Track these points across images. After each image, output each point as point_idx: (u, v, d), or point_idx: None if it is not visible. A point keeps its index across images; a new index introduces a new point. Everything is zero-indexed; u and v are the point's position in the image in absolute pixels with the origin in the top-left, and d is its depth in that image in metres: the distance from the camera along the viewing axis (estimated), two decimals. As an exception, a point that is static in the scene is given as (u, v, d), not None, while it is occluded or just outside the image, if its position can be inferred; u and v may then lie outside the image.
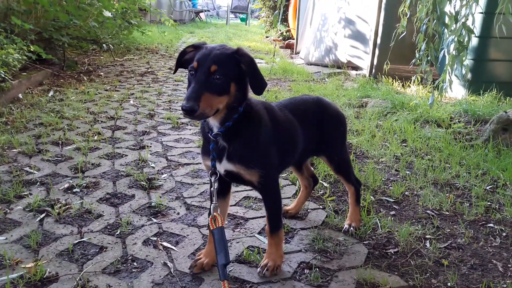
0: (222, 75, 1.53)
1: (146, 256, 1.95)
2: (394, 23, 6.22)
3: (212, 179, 1.69)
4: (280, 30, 11.79)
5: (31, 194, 2.45)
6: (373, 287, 1.80)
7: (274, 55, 7.48)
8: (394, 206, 2.61)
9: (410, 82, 5.92)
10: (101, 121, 3.95)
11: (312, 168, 2.53)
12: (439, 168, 3.14)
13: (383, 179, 2.95)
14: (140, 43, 9.25)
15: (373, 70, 6.58)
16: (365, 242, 2.16)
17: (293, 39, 10.26)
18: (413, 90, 5.74)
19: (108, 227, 2.17)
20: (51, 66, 5.76)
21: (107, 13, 6.13)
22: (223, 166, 1.72)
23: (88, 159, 3.01)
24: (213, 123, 1.66)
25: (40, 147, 3.16)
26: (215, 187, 1.69)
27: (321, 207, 2.51)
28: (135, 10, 7.07)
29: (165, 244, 2.05)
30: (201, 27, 16.18)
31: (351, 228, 2.21)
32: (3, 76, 4.04)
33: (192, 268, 1.85)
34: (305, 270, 1.89)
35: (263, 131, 1.75)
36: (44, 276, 1.73)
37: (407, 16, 4.34)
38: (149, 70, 6.70)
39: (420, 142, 3.76)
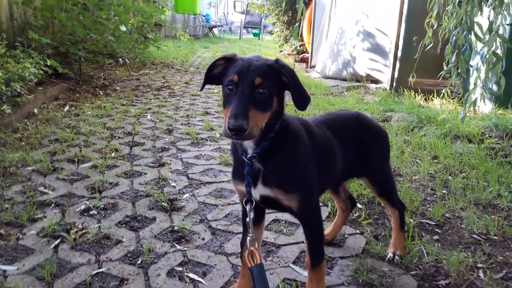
0: (266, 88, 1.35)
1: (171, 289, 1.76)
2: (415, 35, 6.11)
3: (248, 207, 1.49)
4: (294, 44, 11.70)
5: (45, 217, 2.29)
6: (431, 329, 1.57)
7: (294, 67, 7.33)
8: (437, 229, 2.38)
9: (433, 96, 5.71)
10: (118, 137, 3.80)
11: (350, 190, 2.32)
12: (478, 187, 2.91)
13: (420, 199, 2.73)
14: (156, 58, 9.21)
15: (394, 84, 6.39)
16: (412, 272, 1.94)
17: (308, 53, 10.14)
18: (436, 104, 5.53)
19: (129, 255, 1.99)
20: (67, 80, 5.69)
21: (123, 28, 6.07)
22: (258, 191, 1.52)
23: (105, 177, 2.85)
24: (248, 143, 1.47)
25: (55, 165, 3.02)
26: (251, 217, 1.49)
27: (358, 231, 2.29)
28: (151, 24, 7.01)
29: (191, 275, 1.85)
30: (215, 42, 16.20)
31: (396, 257, 1.99)
32: (18, 90, 3.94)
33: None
34: (350, 307, 1.68)
35: (302, 150, 1.56)
36: (60, 314, 1.55)
37: (433, 28, 4.16)
38: (165, 84, 6.60)
39: (452, 158, 3.53)
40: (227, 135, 1.30)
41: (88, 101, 5.06)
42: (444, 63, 4.03)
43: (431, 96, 5.77)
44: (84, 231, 2.15)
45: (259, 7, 15.11)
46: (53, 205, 2.43)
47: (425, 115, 4.75)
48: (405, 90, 6.08)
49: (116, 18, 5.85)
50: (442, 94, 3.98)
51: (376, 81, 6.93)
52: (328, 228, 2.22)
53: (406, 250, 2.06)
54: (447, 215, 2.55)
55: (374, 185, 1.98)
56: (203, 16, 18.71)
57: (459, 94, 4.13)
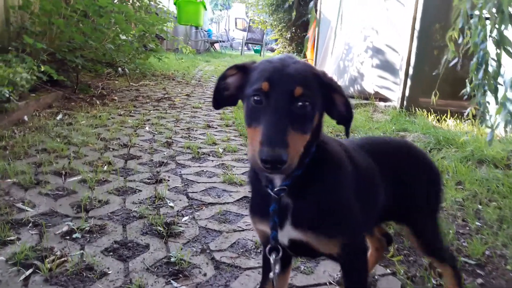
0: (309, 101, 1.01)
1: None
2: (427, 52, 5.87)
3: (273, 258, 1.13)
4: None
5: (19, 239, 1.94)
6: None
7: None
8: (478, 271, 2.03)
9: (446, 116, 5.44)
10: (113, 149, 3.47)
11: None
12: (515, 219, 2.58)
13: (453, 232, 2.39)
14: (156, 69, 8.95)
15: (405, 102, 6.12)
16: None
17: (312, 69, 9.91)
18: (450, 124, 5.25)
19: (114, 291, 1.64)
20: (63, 88, 5.39)
21: (124, 37, 5.81)
22: (286, 234, 1.16)
23: (94, 194, 2.51)
24: None
25: (39, 178, 2.67)
26: (277, 271, 1.13)
27: (389, 271, 1.94)
28: (153, 33, 6.75)
29: (190, 321, 1.50)
30: (216, 57, 16.03)
31: None
32: (7, 95, 3.63)
33: None
34: None
35: (345, 180, 1.21)
36: None
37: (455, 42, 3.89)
38: (166, 96, 6.31)
39: (478, 185, 3.20)
40: (258, 168, 0.95)
41: (83, 110, 4.75)
42: (467, 80, 3.75)
43: (444, 116, 5.50)
44: (63, 259, 1.80)
45: (262, 23, 15.00)
46: (30, 224, 2.08)
47: (443, 136, 4.46)
48: (417, 109, 5.81)
49: (117, 26, 5.60)
50: (467, 113, 3.67)
51: (385, 99, 6.66)
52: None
53: None
54: (487, 252, 2.20)
55: (417, 239, 1.54)
56: (205, 31, 18.62)
57: (486, 113, 3.82)
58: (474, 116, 5.01)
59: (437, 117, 5.53)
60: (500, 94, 3.68)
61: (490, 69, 3.58)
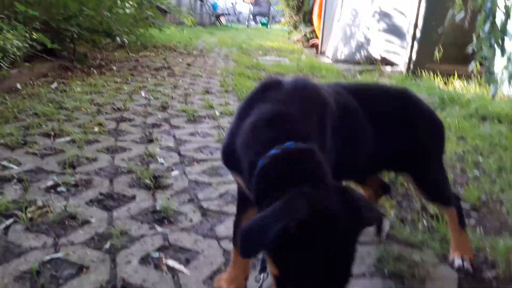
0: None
1: (143, 281, 1.36)
2: (435, 15, 5.63)
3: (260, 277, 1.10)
4: (302, 31, 11.23)
5: (1, 193, 1.90)
6: None
7: (299, 54, 6.91)
8: (472, 213, 1.98)
9: (453, 78, 5.27)
10: (106, 113, 3.40)
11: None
12: (517, 169, 2.49)
13: (450, 180, 2.31)
14: (158, 41, 8.79)
15: (411, 66, 5.95)
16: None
17: (318, 39, 9.67)
18: (457, 87, 5.09)
19: (96, 237, 1.60)
20: (60, 59, 5.31)
21: (120, 3, 5.66)
22: None
23: (83, 153, 2.46)
24: None
25: (28, 139, 2.63)
26: None
27: (381, 215, 1.88)
28: (153, 1, 6.57)
29: (170, 263, 1.45)
30: (221, 30, 15.76)
31: (466, 264, 1.50)
32: (-2, 63, 3.57)
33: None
34: (376, 307, 1.27)
35: None
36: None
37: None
38: (166, 65, 6.20)
39: (481, 139, 3.10)
40: None
41: (79, 79, 4.68)
42: (473, 34, 3.57)
43: (450, 78, 5.33)
44: (45, 209, 1.76)
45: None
46: (15, 180, 2.04)
47: (448, 95, 4.33)
48: (423, 72, 5.63)
49: (113, -6, 5.47)
50: (471, 68, 3.50)
51: (391, 64, 6.48)
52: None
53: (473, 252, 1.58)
54: (483, 198, 2.14)
55: (420, 188, 1.49)
56: (210, 3, 18.25)
57: (491, 67, 3.66)
58: (480, 77, 4.83)
59: (444, 80, 5.36)
60: (507, 48, 3.51)
61: (497, 21, 3.41)
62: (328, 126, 1.13)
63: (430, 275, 1.46)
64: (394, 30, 6.40)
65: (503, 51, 3.39)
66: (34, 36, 4.30)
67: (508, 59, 3.63)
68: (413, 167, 1.44)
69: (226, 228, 1.70)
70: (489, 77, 3.85)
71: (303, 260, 0.81)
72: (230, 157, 1.14)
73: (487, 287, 1.42)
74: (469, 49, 3.63)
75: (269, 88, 1.14)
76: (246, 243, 0.81)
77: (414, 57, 5.92)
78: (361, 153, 1.31)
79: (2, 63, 3.62)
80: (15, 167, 2.19)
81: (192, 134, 3.00)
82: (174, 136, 2.92)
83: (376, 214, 0.94)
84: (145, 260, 1.48)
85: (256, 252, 0.86)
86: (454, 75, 5.30)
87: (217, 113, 3.58)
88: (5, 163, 2.22)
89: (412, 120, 1.41)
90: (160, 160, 2.44)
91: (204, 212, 1.84)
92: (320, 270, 0.81)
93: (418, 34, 5.84)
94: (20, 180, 2.03)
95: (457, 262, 1.51)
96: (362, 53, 7.06)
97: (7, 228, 1.62)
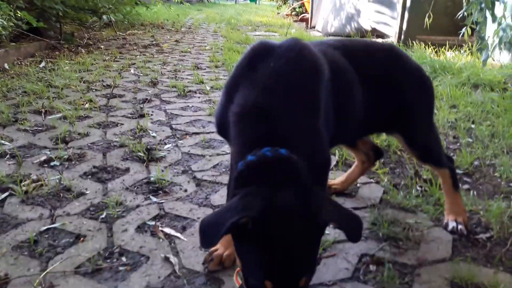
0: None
1: (140, 247, 1.38)
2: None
3: None
4: (291, 5, 11.08)
5: (-5, 169, 1.90)
6: (477, 290, 1.20)
7: (288, 28, 6.83)
8: (466, 179, 2.00)
9: (444, 48, 5.26)
10: (95, 90, 3.37)
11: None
12: (508, 133, 2.52)
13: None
14: (145, 19, 8.63)
15: (402, 36, 5.91)
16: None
17: (308, 13, 9.55)
18: (448, 56, 5.08)
19: (91, 208, 1.61)
20: (47, 39, 5.19)
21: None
22: None
23: (74, 128, 2.44)
24: None
25: (18, 116, 2.60)
26: None
27: (373, 181, 1.90)
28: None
29: (167, 230, 1.47)
30: (209, 6, 15.47)
31: (460, 226, 1.52)
32: (-18, 42, 3.49)
33: (207, 263, 1.28)
34: (370, 265, 1.30)
35: None
36: (-12, 279, 1.18)
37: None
38: (154, 42, 6.10)
39: (473, 107, 3.12)
40: None
41: (67, 58, 4.60)
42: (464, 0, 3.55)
43: (442, 48, 5.31)
44: (39, 183, 1.76)
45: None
46: (7, 156, 2.03)
47: (439, 64, 4.32)
48: (414, 43, 5.61)
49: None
50: (462, 33, 3.50)
51: (382, 36, 6.44)
52: (339, 177, 1.82)
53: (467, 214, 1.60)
54: (476, 163, 2.17)
55: (412, 148, 1.49)
56: (198, -20, 17.84)
57: (482, 33, 3.65)
58: (471, 46, 4.83)
59: (435, 50, 5.35)
60: (497, 13, 3.50)
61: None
62: (323, 98, 1.12)
63: (424, 237, 1.48)
64: (384, 0, 6.33)
65: (493, 15, 3.38)
66: (18, 14, 4.19)
67: (499, 23, 3.62)
68: (403, 126, 1.44)
69: (220, 197, 1.71)
70: (480, 43, 3.85)
71: (255, 254, 0.89)
72: (222, 128, 1.15)
73: (483, 248, 1.44)
74: (460, 14, 3.61)
75: (258, 57, 1.13)
76: (204, 236, 0.88)
77: (404, 27, 5.89)
78: (352, 115, 1.32)
79: (-13, 42, 3.54)
80: (7, 143, 2.18)
81: (183, 108, 2.99)
82: (165, 111, 2.91)
83: (350, 219, 0.95)
84: (141, 228, 1.49)
85: (212, 244, 0.99)
86: (445, 45, 5.28)
87: (208, 88, 3.56)
88: (-4, 140, 2.20)
89: (400, 78, 1.40)
90: (152, 134, 2.44)
91: (199, 182, 1.85)
92: (268, 264, 0.86)
93: (408, 3, 5.79)
94: (13, 156, 2.03)
95: (451, 224, 1.53)
96: (353, 25, 6.99)
97: (2, 201, 1.63)
